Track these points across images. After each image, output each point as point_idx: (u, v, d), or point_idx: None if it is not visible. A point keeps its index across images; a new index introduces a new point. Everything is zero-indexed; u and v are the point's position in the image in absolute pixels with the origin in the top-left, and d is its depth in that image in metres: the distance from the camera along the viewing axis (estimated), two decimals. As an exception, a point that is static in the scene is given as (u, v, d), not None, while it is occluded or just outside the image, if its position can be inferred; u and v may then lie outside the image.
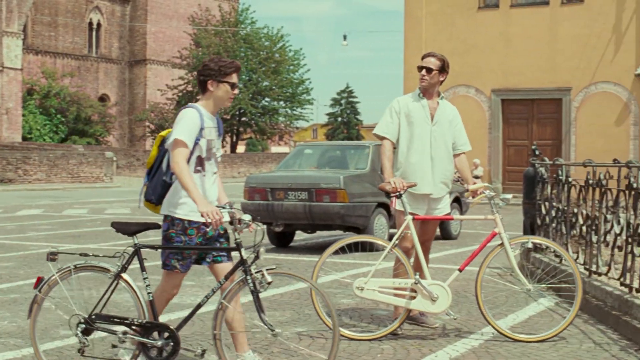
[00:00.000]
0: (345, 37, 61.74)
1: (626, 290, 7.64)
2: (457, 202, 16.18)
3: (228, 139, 70.59)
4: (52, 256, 5.56)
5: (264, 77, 66.84)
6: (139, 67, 76.71)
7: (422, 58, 7.68)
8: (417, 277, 6.97)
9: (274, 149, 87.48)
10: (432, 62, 7.58)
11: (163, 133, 5.73)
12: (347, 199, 13.50)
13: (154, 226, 5.63)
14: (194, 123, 5.50)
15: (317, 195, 13.61)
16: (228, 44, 65.75)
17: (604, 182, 8.56)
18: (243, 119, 68.00)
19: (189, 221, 5.50)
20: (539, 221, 11.15)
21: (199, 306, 5.49)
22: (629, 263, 7.61)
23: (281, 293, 9.44)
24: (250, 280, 5.30)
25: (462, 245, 14.92)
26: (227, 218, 5.28)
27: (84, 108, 65.24)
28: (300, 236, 16.33)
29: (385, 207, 14.18)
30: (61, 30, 72.08)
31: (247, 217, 5.32)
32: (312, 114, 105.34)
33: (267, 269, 5.32)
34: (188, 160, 5.46)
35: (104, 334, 5.72)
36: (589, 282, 8.49)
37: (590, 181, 8.90)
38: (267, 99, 68.60)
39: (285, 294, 9.36)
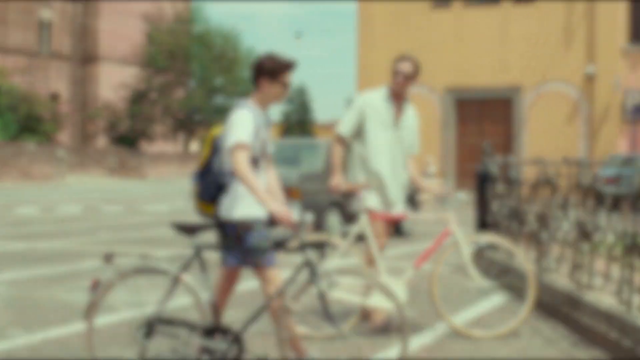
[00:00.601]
0: (298, 35, 61.69)
1: (576, 286, 7.74)
2: (411, 200, 16.27)
3: (181, 137, 70.27)
4: (108, 258, 5.37)
5: (217, 75, 66.67)
6: (91, 64, 75.95)
7: (397, 61, 7.62)
8: (372, 274, 6.99)
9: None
10: (408, 67, 7.54)
11: (215, 131, 5.65)
12: (301, 196, 13.50)
13: (216, 226, 5.50)
14: (250, 124, 5.42)
15: (270, 193, 13.59)
16: (182, 42, 65.41)
17: (554, 180, 8.67)
18: (197, 116, 67.72)
19: (251, 218, 5.40)
20: (491, 219, 11.25)
21: (263, 308, 5.38)
22: (578, 260, 7.71)
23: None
24: (317, 281, 5.22)
25: (416, 243, 15.00)
26: (296, 217, 5.18)
27: (35, 106, 64.44)
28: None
29: (339, 205, 14.21)
30: (11, 27, 71.13)
31: (309, 217, 5.23)
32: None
33: (334, 270, 5.23)
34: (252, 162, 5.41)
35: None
36: (540, 278, 8.59)
37: (541, 179, 9.01)
38: (221, 96, 68.43)
39: (239, 292, 9.32)
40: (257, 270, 5.48)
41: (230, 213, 5.45)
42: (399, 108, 7.64)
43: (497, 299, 8.96)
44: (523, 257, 7.35)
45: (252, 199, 5.39)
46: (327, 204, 13.95)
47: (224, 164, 5.54)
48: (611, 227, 7.18)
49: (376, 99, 7.62)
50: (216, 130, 5.67)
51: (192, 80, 68.00)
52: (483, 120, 33.77)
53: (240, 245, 5.45)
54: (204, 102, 65.64)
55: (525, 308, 7.14)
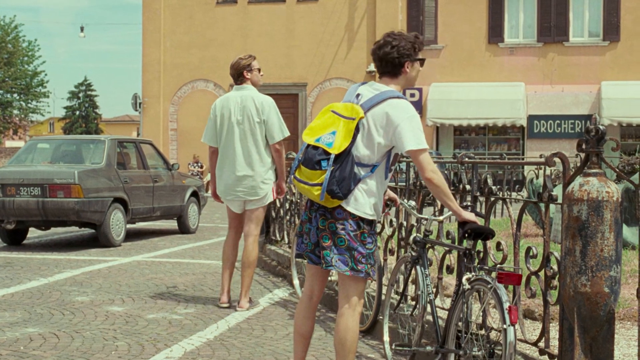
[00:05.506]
0: (82, 29, 60.11)
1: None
2: (195, 196, 16.22)
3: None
4: None
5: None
6: None
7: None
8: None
9: (9, 143, 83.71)
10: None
11: (356, 113, 4.77)
12: (82, 194, 13.17)
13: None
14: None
15: (50, 190, 13.17)
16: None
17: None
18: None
19: (374, 221, 4.87)
20: (273, 214, 11.41)
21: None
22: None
23: (12, 293, 9.07)
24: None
25: (200, 239, 14.89)
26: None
27: None
28: (34, 233, 15.76)
29: (122, 201, 14.01)
30: None
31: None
32: (48, 107, 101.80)
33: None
34: (393, 162, 4.89)
35: None
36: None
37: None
38: (-1, 91, 65.63)
39: (16, 294, 9.00)
40: (353, 277, 4.86)
41: (362, 212, 4.79)
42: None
43: (278, 293, 9.12)
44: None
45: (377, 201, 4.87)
46: (109, 201, 13.67)
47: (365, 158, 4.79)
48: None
49: None
50: (356, 112, 4.77)
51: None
52: (269, 116, 34.14)
53: (356, 245, 4.81)
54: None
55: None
